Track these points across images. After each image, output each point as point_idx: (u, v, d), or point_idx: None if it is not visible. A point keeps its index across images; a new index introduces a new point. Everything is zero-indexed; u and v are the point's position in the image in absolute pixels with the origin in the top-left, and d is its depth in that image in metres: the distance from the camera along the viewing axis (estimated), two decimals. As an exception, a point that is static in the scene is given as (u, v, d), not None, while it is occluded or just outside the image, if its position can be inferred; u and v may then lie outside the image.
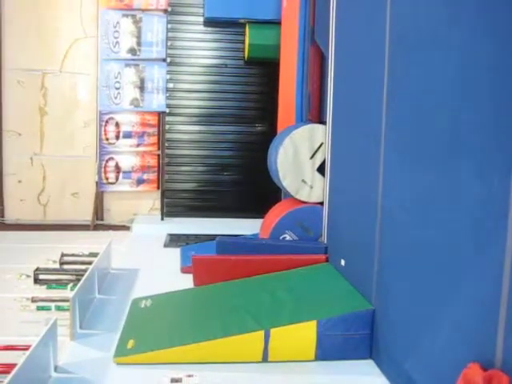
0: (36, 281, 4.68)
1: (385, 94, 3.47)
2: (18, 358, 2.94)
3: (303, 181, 5.17)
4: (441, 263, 2.64)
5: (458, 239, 2.49)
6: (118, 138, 7.69)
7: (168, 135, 7.73)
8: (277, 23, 6.84)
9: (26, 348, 3.04)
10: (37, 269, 4.75)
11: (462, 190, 2.46)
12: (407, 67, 3.16)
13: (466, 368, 2.21)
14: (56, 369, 3.25)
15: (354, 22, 4.32)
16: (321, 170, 5.14)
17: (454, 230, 2.53)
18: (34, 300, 4.20)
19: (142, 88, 7.63)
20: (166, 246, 6.47)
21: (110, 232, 7.36)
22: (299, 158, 5.16)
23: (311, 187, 5.19)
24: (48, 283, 4.67)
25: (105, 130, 7.66)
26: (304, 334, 3.45)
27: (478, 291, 2.30)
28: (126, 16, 7.52)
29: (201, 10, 7.49)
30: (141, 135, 7.72)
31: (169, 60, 7.62)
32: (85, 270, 4.47)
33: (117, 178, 7.75)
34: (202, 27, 7.64)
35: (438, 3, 2.79)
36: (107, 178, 7.74)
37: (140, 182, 7.78)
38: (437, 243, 2.69)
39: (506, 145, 2.12)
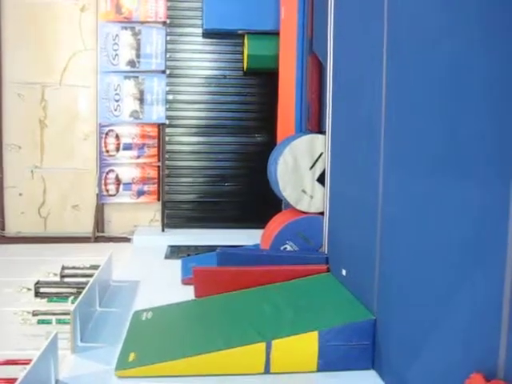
0: (37, 294, 4.66)
1: (383, 103, 3.48)
2: (19, 372, 2.93)
3: (303, 191, 5.17)
4: (443, 272, 2.64)
5: (459, 248, 2.49)
6: (118, 149, 7.69)
7: (168, 147, 7.74)
8: (275, 34, 6.86)
9: (26, 362, 3.03)
10: (37, 282, 4.74)
11: (462, 198, 2.46)
12: (406, 75, 3.17)
13: (469, 378, 2.20)
14: (57, 383, 3.23)
15: (352, 32, 4.34)
16: (321, 179, 5.14)
17: (455, 239, 2.52)
18: (34, 313, 4.19)
19: (141, 100, 7.65)
20: (166, 257, 6.45)
21: (111, 244, 7.35)
22: (299, 169, 5.17)
23: (311, 197, 5.19)
24: (49, 296, 4.66)
25: (105, 142, 7.67)
26: (306, 344, 3.44)
27: (480, 301, 2.29)
28: (125, 28, 7.55)
29: (199, 22, 7.52)
30: (141, 147, 7.73)
31: (168, 72, 7.65)
32: (86, 283, 4.45)
33: (117, 190, 7.75)
34: (200, 39, 7.67)
35: (435, 12, 2.80)
36: (107, 190, 7.74)
37: (140, 193, 7.78)
38: (438, 252, 2.69)
39: (505, 153, 2.12)
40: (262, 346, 3.40)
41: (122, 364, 3.43)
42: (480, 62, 2.33)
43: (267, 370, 3.41)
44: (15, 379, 2.78)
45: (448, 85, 2.62)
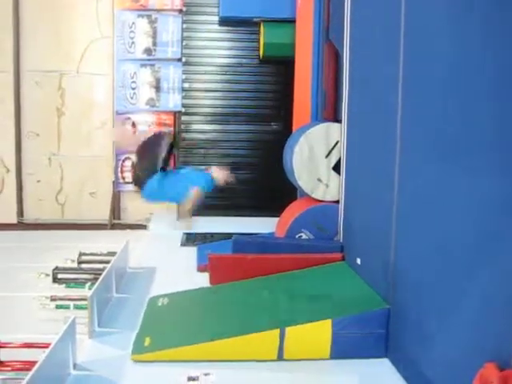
0: (55, 280, 4.74)
1: (400, 92, 3.46)
2: (38, 355, 2.98)
3: (319, 179, 5.17)
4: (457, 262, 2.64)
5: (472, 237, 2.49)
6: (134, 137, 7.74)
7: (184, 135, 7.77)
8: (291, 22, 6.83)
9: (45, 346, 3.09)
10: (55, 268, 4.81)
11: (478, 188, 2.45)
12: (422, 64, 3.15)
13: (482, 368, 2.21)
14: (75, 366, 3.29)
15: (369, 20, 4.31)
16: (336, 168, 5.13)
17: (470, 228, 2.52)
18: (53, 299, 4.26)
19: (157, 88, 7.68)
20: (182, 244, 6.50)
21: (128, 231, 7.42)
22: (315, 157, 5.16)
23: (327, 186, 5.18)
24: (67, 282, 4.73)
25: (121, 130, 7.72)
26: (319, 332, 3.46)
27: (495, 290, 2.29)
28: (142, 16, 7.57)
29: (216, 10, 7.51)
30: (157, 135, 7.76)
31: (184, 60, 7.66)
32: (102, 269, 4.51)
33: (133, 178, 7.80)
34: (216, 26, 7.67)
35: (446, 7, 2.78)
36: (124, 178, 7.80)
37: (156, 181, 7.81)
38: (452, 241, 2.69)
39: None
40: (276, 332, 3.43)
41: (138, 348, 3.48)
42: (496, 57, 2.32)
43: (280, 357, 3.43)
44: (35, 362, 2.84)
45: (464, 75, 2.60)
